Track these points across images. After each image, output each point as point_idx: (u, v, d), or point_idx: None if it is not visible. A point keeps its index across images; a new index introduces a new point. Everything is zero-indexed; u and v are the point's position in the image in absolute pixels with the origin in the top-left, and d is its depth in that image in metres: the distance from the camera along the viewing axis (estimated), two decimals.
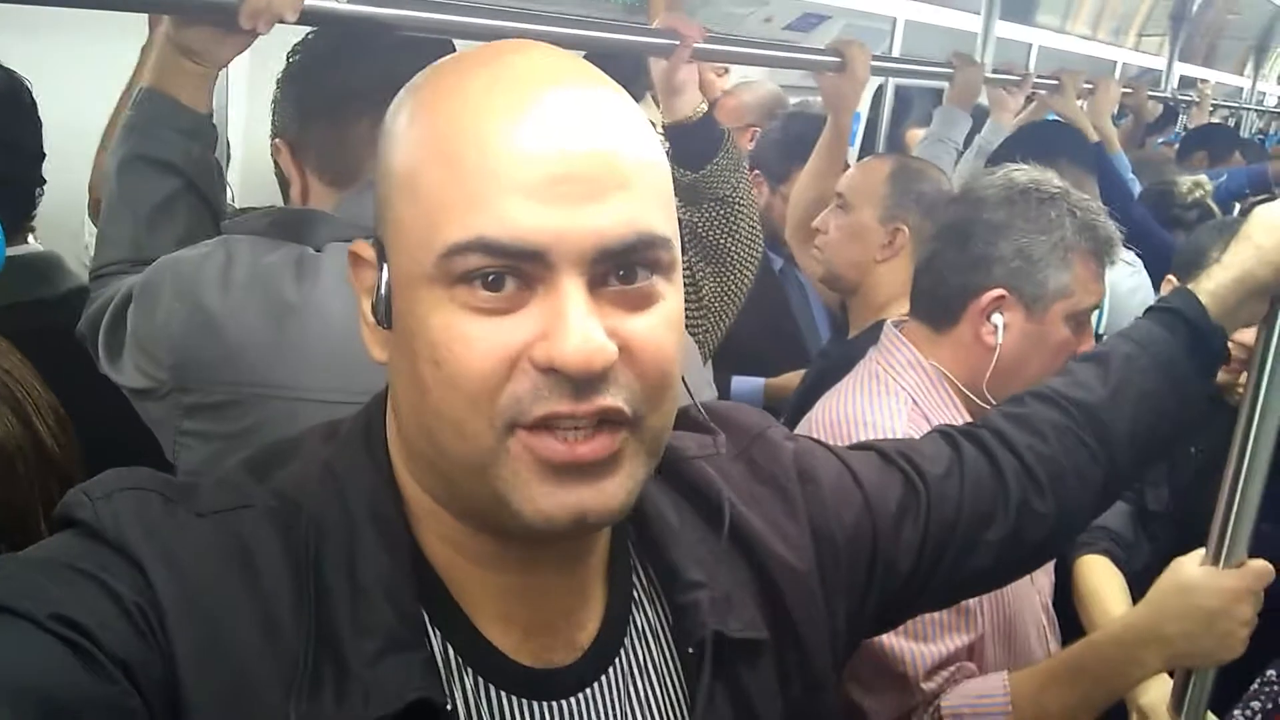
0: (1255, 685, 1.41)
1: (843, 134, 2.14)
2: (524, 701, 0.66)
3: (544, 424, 0.59)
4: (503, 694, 0.66)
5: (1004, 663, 1.26)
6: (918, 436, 0.99)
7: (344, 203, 1.21)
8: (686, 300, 0.82)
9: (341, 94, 1.20)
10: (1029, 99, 2.94)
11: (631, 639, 0.72)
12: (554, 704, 0.67)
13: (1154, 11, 5.76)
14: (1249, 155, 4.54)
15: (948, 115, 2.60)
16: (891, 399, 1.35)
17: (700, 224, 1.52)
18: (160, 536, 0.60)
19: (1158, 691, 1.29)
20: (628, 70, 1.77)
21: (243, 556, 0.62)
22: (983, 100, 2.81)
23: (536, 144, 0.58)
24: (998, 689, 1.17)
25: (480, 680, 0.65)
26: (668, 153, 1.48)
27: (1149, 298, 2.30)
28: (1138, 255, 2.37)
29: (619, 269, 0.59)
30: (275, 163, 1.30)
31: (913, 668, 1.19)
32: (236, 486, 0.66)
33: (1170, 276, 1.90)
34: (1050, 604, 1.45)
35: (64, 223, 1.71)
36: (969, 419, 1.32)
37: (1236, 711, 1.38)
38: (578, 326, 0.57)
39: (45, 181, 1.52)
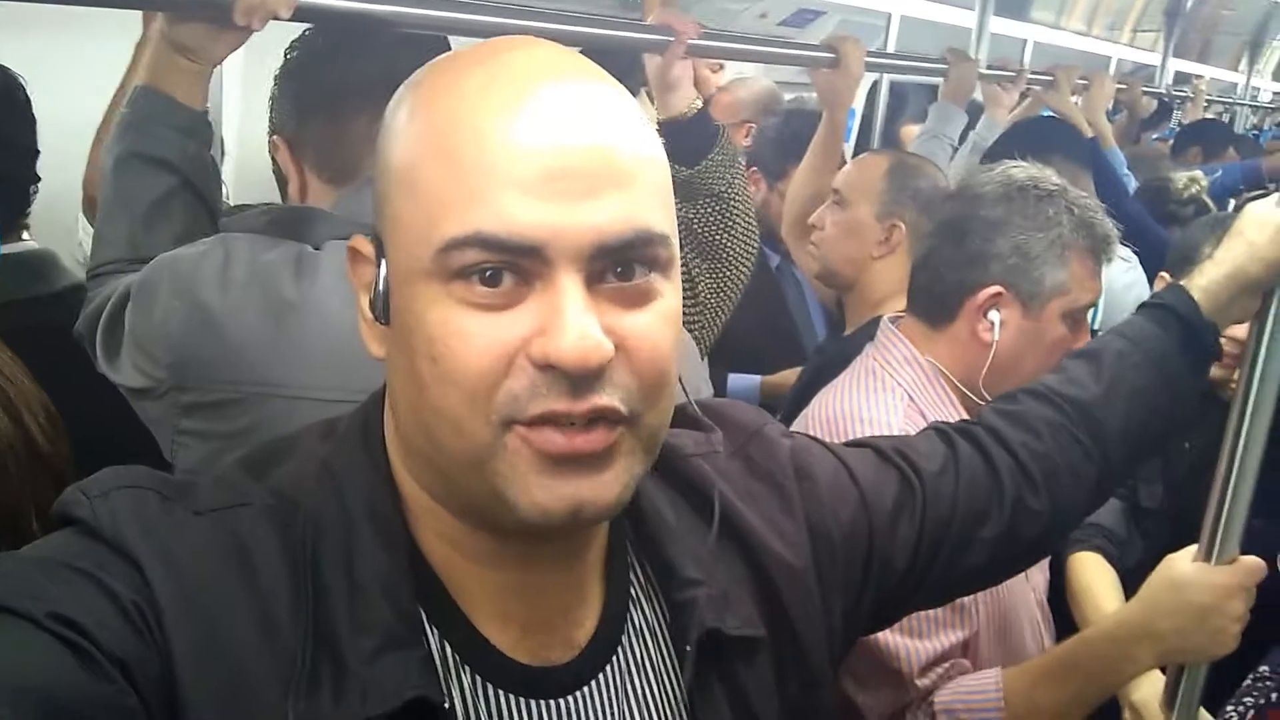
0: (1248, 681, 1.41)
1: (838, 130, 2.14)
2: (521, 699, 0.66)
3: (541, 421, 0.59)
4: (500, 692, 0.66)
5: (999, 659, 1.26)
6: (914, 433, 1.00)
7: (342, 200, 1.20)
8: (683, 297, 0.82)
9: (340, 91, 1.20)
10: (1024, 95, 2.93)
11: (629, 636, 0.72)
12: (551, 702, 0.67)
13: (1149, 7, 5.76)
14: (1243, 151, 4.56)
15: (943, 111, 2.60)
16: (888, 395, 1.35)
17: (695, 220, 1.52)
18: (158, 535, 0.60)
19: (1150, 688, 1.29)
20: (622, 66, 1.75)
21: (240, 555, 0.62)
22: (978, 96, 2.81)
23: (534, 139, 0.58)
24: (991, 685, 1.17)
25: (478, 678, 0.65)
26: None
27: (1144, 294, 2.29)
28: (1133, 251, 2.38)
29: (617, 265, 0.59)
30: (273, 160, 1.30)
31: (907, 664, 1.19)
32: (234, 485, 0.66)
33: (1163, 273, 1.90)
34: (1045, 601, 1.45)
35: (59, 220, 1.70)
36: (965, 415, 1.32)
37: (1229, 707, 1.39)
38: (574, 323, 0.57)
39: (40, 179, 1.51)
